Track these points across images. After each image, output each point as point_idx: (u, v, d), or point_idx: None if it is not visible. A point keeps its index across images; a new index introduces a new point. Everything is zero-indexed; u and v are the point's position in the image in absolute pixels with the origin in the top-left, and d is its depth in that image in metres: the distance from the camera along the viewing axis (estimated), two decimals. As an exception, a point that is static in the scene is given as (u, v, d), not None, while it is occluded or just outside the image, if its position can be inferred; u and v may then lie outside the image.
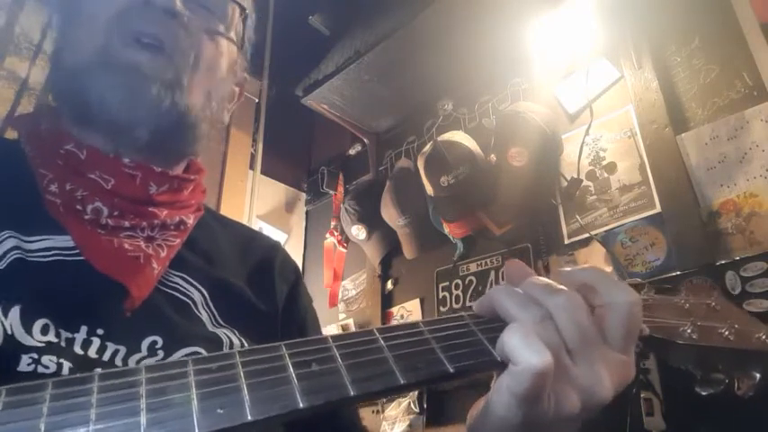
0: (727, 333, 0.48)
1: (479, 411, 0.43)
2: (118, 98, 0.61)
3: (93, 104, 0.61)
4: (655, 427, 1.38)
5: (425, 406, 1.91)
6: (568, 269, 0.47)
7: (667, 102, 1.69)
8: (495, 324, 0.43)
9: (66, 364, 0.50)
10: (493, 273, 1.98)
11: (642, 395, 1.41)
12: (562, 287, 0.43)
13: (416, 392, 1.93)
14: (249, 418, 0.32)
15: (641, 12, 1.81)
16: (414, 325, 0.42)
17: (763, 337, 0.49)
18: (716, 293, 0.54)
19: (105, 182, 0.61)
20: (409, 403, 1.95)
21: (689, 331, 0.46)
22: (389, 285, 2.29)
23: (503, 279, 0.50)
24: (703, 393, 0.47)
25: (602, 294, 0.44)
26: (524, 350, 0.38)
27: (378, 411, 2.06)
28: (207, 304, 0.64)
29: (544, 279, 0.45)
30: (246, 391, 0.33)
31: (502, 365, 0.40)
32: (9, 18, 1.94)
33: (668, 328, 0.47)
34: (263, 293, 0.72)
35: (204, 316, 0.63)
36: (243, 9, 0.73)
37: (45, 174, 0.60)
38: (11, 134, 0.71)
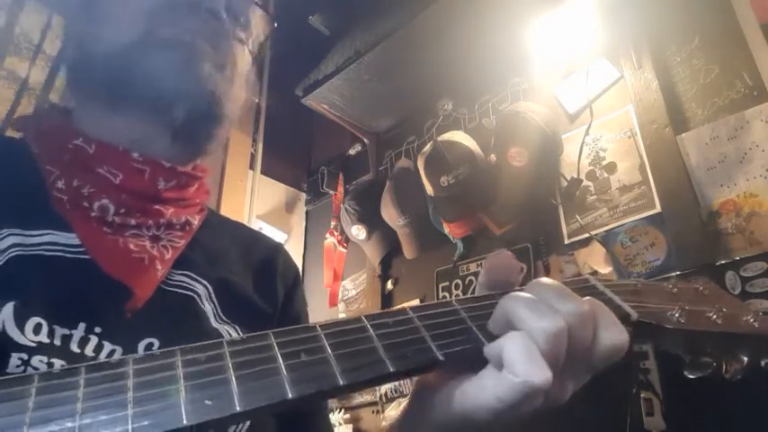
0: (714, 317, 0.48)
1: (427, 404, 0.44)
2: (171, 70, 0.61)
3: (138, 81, 0.61)
4: (655, 427, 1.38)
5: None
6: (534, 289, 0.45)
7: (667, 102, 1.68)
8: (485, 311, 0.43)
9: (59, 363, 0.50)
10: (493, 273, 1.97)
11: (642, 395, 1.40)
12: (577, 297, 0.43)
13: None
14: (238, 408, 0.32)
15: (641, 12, 1.80)
16: (402, 312, 0.42)
17: (751, 320, 0.49)
18: (704, 279, 0.54)
19: (114, 176, 0.60)
20: (408, 403, 1.94)
21: (677, 315, 0.46)
22: (389, 285, 2.29)
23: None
24: (691, 377, 0.47)
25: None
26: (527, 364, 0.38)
27: (378, 411, 2.06)
28: (211, 297, 0.65)
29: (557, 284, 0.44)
30: (235, 383, 0.33)
31: None
32: (9, 18, 1.94)
33: (656, 312, 0.47)
34: (264, 293, 0.72)
35: (208, 309, 0.63)
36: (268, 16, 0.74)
37: (52, 170, 0.60)
38: (12, 134, 0.70)
